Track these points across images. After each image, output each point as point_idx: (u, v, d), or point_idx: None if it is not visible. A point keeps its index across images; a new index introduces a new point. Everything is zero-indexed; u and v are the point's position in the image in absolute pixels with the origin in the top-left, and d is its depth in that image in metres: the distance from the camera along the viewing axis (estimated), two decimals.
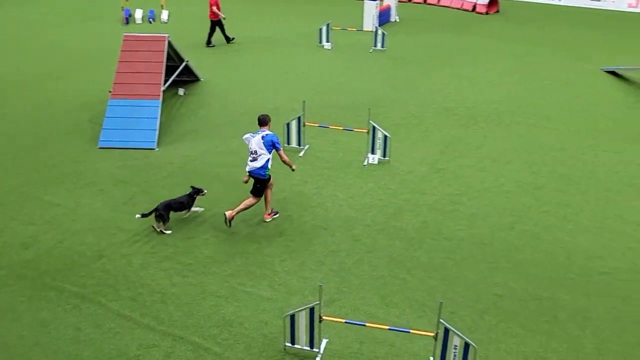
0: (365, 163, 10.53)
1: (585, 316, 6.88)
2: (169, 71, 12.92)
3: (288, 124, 10.90)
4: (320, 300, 5.93)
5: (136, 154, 10.88)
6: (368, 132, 10.48)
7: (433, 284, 7.42)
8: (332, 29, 18.15)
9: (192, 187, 8.82)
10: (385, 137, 10.40)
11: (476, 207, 9.21)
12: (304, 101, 10.88)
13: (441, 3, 25.25)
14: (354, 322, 6.41)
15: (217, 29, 17.73)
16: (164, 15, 20.98)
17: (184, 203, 8.66)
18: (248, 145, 8.48)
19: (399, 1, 23.09)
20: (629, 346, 6.43)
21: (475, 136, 11.80)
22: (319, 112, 12.48)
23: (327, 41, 18.04)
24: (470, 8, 24.04)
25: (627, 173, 10.32)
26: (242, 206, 8.57)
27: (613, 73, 15.62)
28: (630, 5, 24.38)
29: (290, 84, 14.70)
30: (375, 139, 10.46)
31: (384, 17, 20.87)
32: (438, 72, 15.79)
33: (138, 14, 20.76)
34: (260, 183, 8.50)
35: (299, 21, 21.35)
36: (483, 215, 8.97)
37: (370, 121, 10.43)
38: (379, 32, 17.74)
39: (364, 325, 6.31)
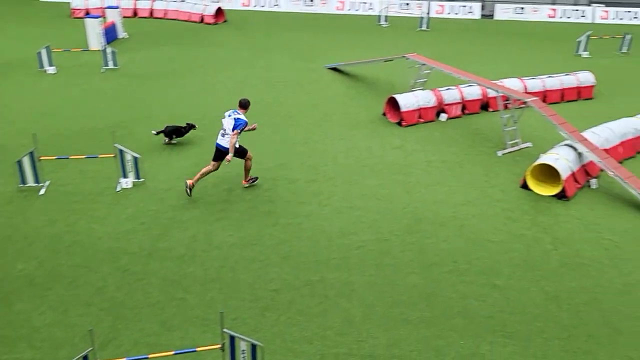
0: (118, 189, 9.94)
1: (351, 289, 7.61)
2: None
3: (20, 162, 9.65)
4: (93, 346, 5.42)
5: None
6: (115, 156, 9.90)
7: (212, 295, 7.39)
8: (53, 52, 16.65)
9: (187, 123, 11.99)
10: (135, 158, 9.97)
11: (240, 210, 9.44)
12: (34, 134, 9.77)
13: (168, 16, 25.16)
14: (136, 357, 6.02)
15: None
16: None
17: (183, 130, 11.89)
18: (223, 122, 9.60)
19: (124, 17, 22.29)
20: (388, 306, 7.32)
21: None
22: (56, 143, 11.38)
23: (50, 65, 16.49)
24: (199, 19, 24.46)
25: (360, 156, 11.69)
26: (199, 174, 9.75)
27: (335, 69, 17.50)
28: (337, 8, 27.59)
29: (13, 116, 13.06)
30: (125, 161, 9.94)
31: (110, 34, 19.95)
32: (178, 85, 15.72)
33: None
34: (221, 153, 9.59)
35: (12, 45, 19.07)
36: (248, 217, 9.24)
37: (116, 144, 9.87)
38: (108, 50, 16.89)
39: (147, 358, 5.98)
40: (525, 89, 14.64)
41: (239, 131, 9.39)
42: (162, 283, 7.60)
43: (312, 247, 8.51)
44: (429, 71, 14.39)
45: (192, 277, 7.75)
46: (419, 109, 13.44)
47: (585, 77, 15.78)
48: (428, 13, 25.13)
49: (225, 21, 24.63)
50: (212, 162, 9.77)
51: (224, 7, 25.63)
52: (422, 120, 13.50)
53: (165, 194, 9.86)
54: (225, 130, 9.54)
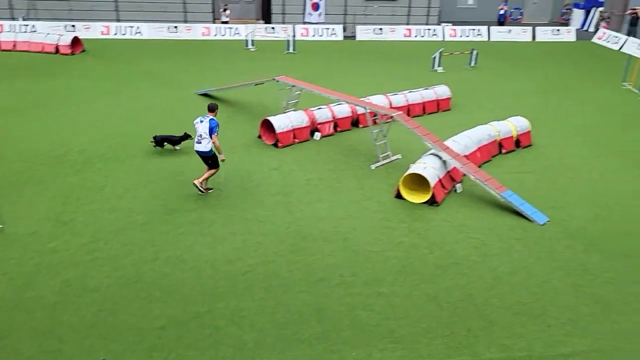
0: None
1: (241, 315, 7.48)
2: None
3: None
4: None
5: None
6: None
7: (91, 342, 6.86)
8: None
9: (185, 133, 12.66)
10: None
11: (116, 248, 8.92)
12: None
13: (18, 48, 23.38)
14: None
15: None
16: None
17: (177, 140, 12.65)
18: (196, 128, 10.34)
19: None
20: (280, 327, 7.29)
21: (95, 178, 11.38)
22: None
23: None
24: (54, 50, 22.99)
25: (239, 180, 11.58)
26: (206, 175, 10.65)
27: (206, 95, 17.28)
28: (203, 34, 27.38)
29: None
30: None
31: None
32: (36, 120, 14.61)
33: None
34: (209, 159, 10.48)
35: None
36: (125, 254, 8.75)
37: None
38: None
39: None
40: (391, 104, 15.48)
41: (217, 134, 10.24)
42: (32, 336, 6.93)
43: (197, 278, 8.26)
44: (299, 92, 14.71)
45: (68, 325, 7.16)
46: (293, 130, 13.67)
47: (442, 91, 17.07)
48: (294, 36, 25.79)
49: (83, 51, 23.37)
50: (208, 169, 10.65)
51: (81, 36, 24.35)
52: (297, 140, 13.74)
53: (30, 239, 9.05)
54: (201, 135, 10.28)
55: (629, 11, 28.15)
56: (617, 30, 28.70)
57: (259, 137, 13.84)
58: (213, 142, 10.27)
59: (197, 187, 10.56)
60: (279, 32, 27.52)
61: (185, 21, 28.06)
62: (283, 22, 28.71)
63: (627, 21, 28.43)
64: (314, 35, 28.16)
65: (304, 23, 28.81)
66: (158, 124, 14.67)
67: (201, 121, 10.33)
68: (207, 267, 8.51)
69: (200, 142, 10.35)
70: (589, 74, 22.36)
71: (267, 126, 13.66)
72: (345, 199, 10.90)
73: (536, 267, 8.82)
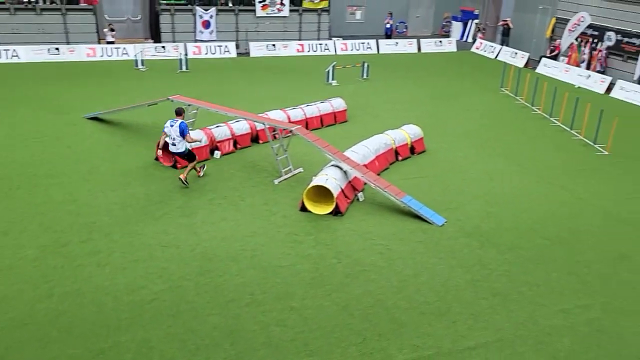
0: None
1: (149, 346, 7.14)
2: None
3: None
4: None
5: None
6: None
7: None
8: None
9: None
10: None
11: (4, 288, 8.22)
12: None
13: None
14: None
15: None
16: None
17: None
18: (168, 133, 11.45)
19: None
20: (191, 354, 7.04)
21: None
22: None
23: None
24: None
25: (137, 205, 11.12)
26: (188, 168, 11.84)
27: (96, 118, 16.44)
28: (88, 55, 26.06)
29: None
30: None
31: None
32: None
33: None
34: (185, 156, 11.82)
35: None
36: (15, 294, 8.07)
37: None
38: None
39: None
40: (289, 118, 15.60)
41: (189, 133, 11.57)
42: None
43: (98, 311, 7.79)
44: (196, 111, 14.42)
45: None
46: (192, 150, 13.34)
47: (338, 103, 17.47)
48: (186, 54, 25.31)
49: None
50: (188, 162, 11.95)
51: None
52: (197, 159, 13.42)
53: None
54: (174, 139, 11.48)
55: (501, 22, 30.51)
56: (492, 40, 31.00)
57: (156, 159, 13.37)
58: (188, 141, 11.56)
59: (181, 180, 11.62)
60: (170, 51, 26.86)
61: (68, 42, 26.59)
62: (173, 41, 28.05)
63: (499, 32, 30.78)
64: (206, 53, 27.78)
65: (196, 41, 28.37)
66: (45, 151, 13.76)
67: (171, 125, 11.47)
68: (108, 300, 8.05)
69: (175, 145, 11.59)
70: (471, 81, 23.91)
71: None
72: (250, 216, 10.80)
73: (438, 266, 9.23)
